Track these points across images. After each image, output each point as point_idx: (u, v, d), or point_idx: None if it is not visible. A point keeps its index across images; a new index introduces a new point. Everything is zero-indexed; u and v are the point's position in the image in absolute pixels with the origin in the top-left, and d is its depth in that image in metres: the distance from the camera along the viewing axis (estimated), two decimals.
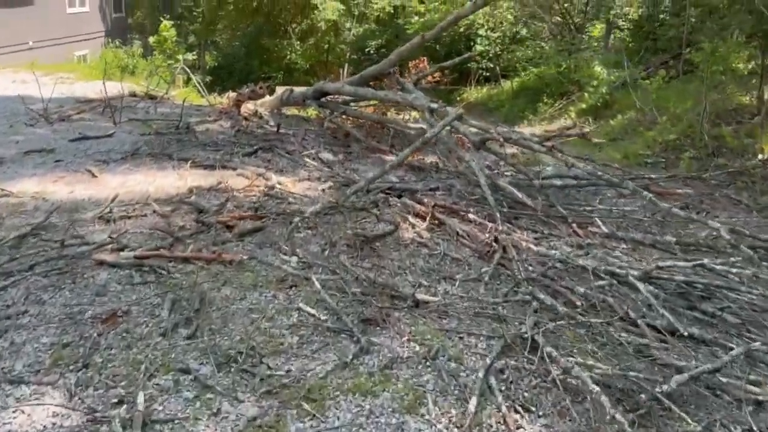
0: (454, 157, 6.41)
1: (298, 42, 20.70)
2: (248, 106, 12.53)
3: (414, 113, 10.25)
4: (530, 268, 4.21)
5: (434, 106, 6.63)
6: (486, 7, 18.22)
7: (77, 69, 17.27)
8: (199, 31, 22.55)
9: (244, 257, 3.88)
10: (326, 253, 4.17)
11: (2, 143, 7.21)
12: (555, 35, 17.99)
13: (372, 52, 24.51)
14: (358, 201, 5.30)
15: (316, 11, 20.04)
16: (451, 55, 19.72)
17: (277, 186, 5.84)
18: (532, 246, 4.49)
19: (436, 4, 19.54)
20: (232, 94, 13.77)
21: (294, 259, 4.00)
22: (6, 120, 8.72)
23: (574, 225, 5.20)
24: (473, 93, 17.96)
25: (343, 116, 9.55)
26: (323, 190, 5.93)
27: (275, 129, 9.59)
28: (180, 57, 17.90)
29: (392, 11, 20.90)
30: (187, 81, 14.54)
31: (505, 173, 7.16)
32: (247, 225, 4.45)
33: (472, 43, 18.33)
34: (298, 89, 12.24)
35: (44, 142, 7.29)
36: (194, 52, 18.91)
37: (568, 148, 7.67)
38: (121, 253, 3.78)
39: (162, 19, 18.81)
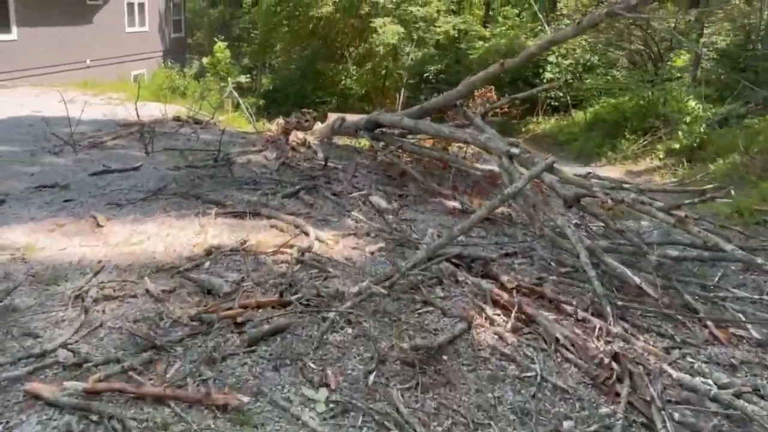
0: (537, 219, 5.16)
1: (354, 67, 19.82)
2: (298, 135, 11.61)
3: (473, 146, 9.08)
4: (674, 413, 2.86)
5: (515, 151, 5.44)
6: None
7: (128, 89, 16.87)
8: (253, 53, 22.05)
9: (245, 399, 2.64)
10: (371, 379, 2.95)
11: (16, 174, 6.40)
12: (634, 64, 16.51)
13: (431, 77, 23.55)
14: (416, 275, 4.12)
15: (374, 35, 19.18)
16: (516, 83, 18.51)
17: (315, 245, 4.73)
18: (667, 368, 3.19)
19: (503, 29, 18.36)
20: (281, 121, 12.96)
21: (323, 394, 2.79)
22: (30, 145, 7.98)
23: (710, 325, 3.85)
24: (540, 124, 16.66)
25: (399, 150, 8.42)
26: (372, 253, 4.78)
27: (323, 163, 8.55)
28: (230, 79, 17.30)
29: (456, 35, 19.88)
30: (238, 105, 13.82)
31: (596, 232, 5.85)
32: (264, 326, 3.27)
33: (540, 71, 17.04)
34: (351, 118, 11.27)
35: (61, 174, 6.45)
36: (248, 75, 18.33)
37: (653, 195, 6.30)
38: (66, 384, 2.65)
39: (216, 39, 18.31)
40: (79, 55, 19.65)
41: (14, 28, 16.91)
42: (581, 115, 15.63)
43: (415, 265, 4.03)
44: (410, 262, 4.05)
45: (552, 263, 4.81)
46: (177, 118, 11.72)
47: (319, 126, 11.07)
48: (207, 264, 4.19)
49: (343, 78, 19.16)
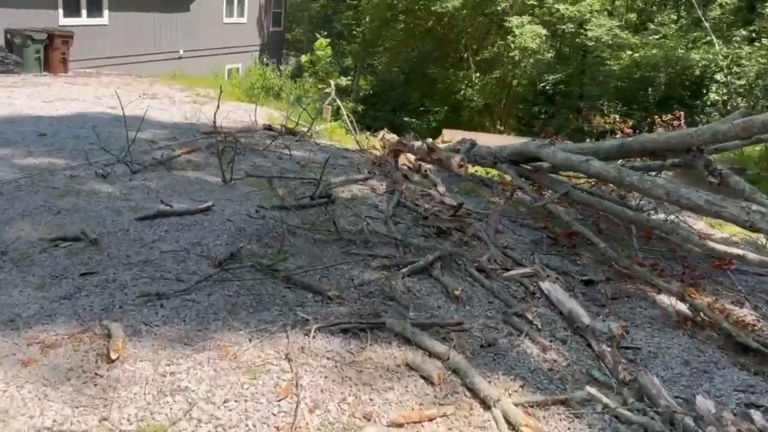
0: None
1: (477, 74, 17.25)
2: (409, 157, 9.39)
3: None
4: None
5: None
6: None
7: (219, 85, 15.23)
8: (357, 51, 19.95)
9: None
10: None
11: (35, 211, 4.47)
12: None
13: (548, 88, 20.76)
14: None
15: (509, 37, 16.39)
16: (668, 103, 15.57)
17: None
18: None
19: (656, 37, 15.37)
20: (388, 136, 10.78)
21: None
22: (80, 157, 6.15)
23: None
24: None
25: (562, 199, 6.02)
26: None
27: (452, 206, 6.26)
28: (332, 81, 15.34)
29: (593, 42, 16.80)
30: (336, 111, 11.83)
31: None
32: None
33: (704, 90, 14.01)
34: (483, 140, 8.93)
35: (97, 216, 4.48)
36: (348, 77, 16.34)
37: None
38: None
39: (318, 35, 16.43)
40: (172, 45, 18.39)
41: (106, 12, 15.72)
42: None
43: None
44: None
45: None
46: (268, 127, 9.80)
47: (415, 143, 8.75)
48: None
49: (463, 87, 16.71)
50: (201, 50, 19.48)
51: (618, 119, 8.07)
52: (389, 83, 19.63)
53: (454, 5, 16.12)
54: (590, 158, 5.15)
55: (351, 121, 10.10)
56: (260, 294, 3.63)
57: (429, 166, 9.08)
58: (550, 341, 3.67)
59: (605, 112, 22.86)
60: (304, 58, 16.54)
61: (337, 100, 10.32)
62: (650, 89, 15.73)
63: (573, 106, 20.97)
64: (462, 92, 16.29)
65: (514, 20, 15.91)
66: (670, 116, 7.70)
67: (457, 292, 4.07)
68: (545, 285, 4.50)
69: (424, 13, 17.07)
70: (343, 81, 15.96)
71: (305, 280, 3.87)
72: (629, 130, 8.19)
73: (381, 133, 11.97)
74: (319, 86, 15.08)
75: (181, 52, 18.84)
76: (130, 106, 9.16)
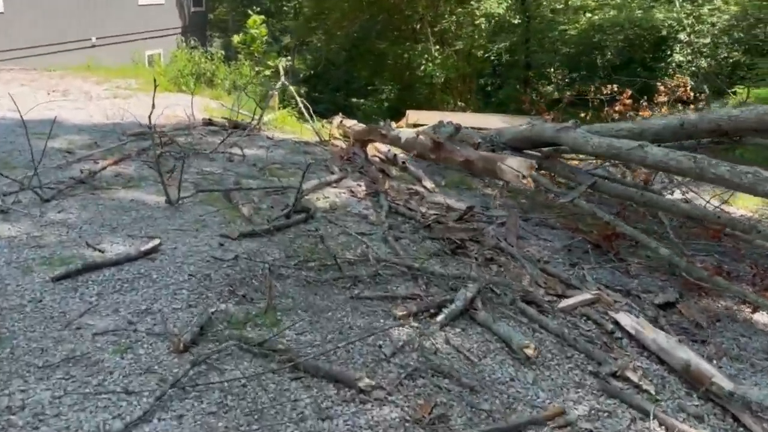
0: None
1: (437, 47, 15.80)
2: (379, 148, 8.13)
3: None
4: None
5: None
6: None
7: (141, 74, 13.48)
8: (300, 27, 18.11)
9: None
10: None
11: None
12: None
13: (493, 58, 19.59)
14: None
15: (473, 2, 14.87)
16: (630, 67, 14.77)
17: None
18: None
19: None
20: (349, 123, 9.46)
21: None
22: None
23: None
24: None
25: (590, 190, 4.94)
26: None
27: (460, 213, 5.11)
28: (280, 63, 13.81)
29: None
30: (283, 98, 10.41)
31: None
32: None
33: (669, 52, 13.28)
34: (465, 123, 7.77)
35: None
36: (287, 57, 14.79)
37: None
38: None
39: (251, 12, 14.76)
40: (82, 32, 16.29)
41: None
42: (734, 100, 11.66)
43: None
44: None
45: None
46: (209, 122, 8.32)
47: (407, 133, 7.51)
48: None
49: (423, 61, 15.28)
50: (116, 36, 17.43)
51: (615, 89, 7.05)
52: (331, 62, 18.10)
53: None
54: (644, 144, 4.08)
55: (307, 108, 8.74)
56: (259, 404, 2.35)
57: (402, 154, 7.86)
58: (682, 420, 2.57)
59: (553, 80, 22.17)
60: (236, 38, 14.85)
61: (289, 84, 8.90)
62: (609, 53, 14.96)
63: (519, 76, 20.04)
64: (423, 67, 14.96)
65: None
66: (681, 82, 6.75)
67: (530, 352, 2.91)
68: (625, 320, 3.41)
69: None
70: (283, 63, 14.43)
71: (321, 365, 2.61)
72: (628, 101, 7.22)
73: (336, 120, 10.62)
74: (256, 69, 13.55)
75: (94, 39, 16.76)
76: (37, 107, 7.52)
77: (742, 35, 13.26)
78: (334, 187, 6.16)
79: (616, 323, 3.43)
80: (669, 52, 13.24)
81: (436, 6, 15.39)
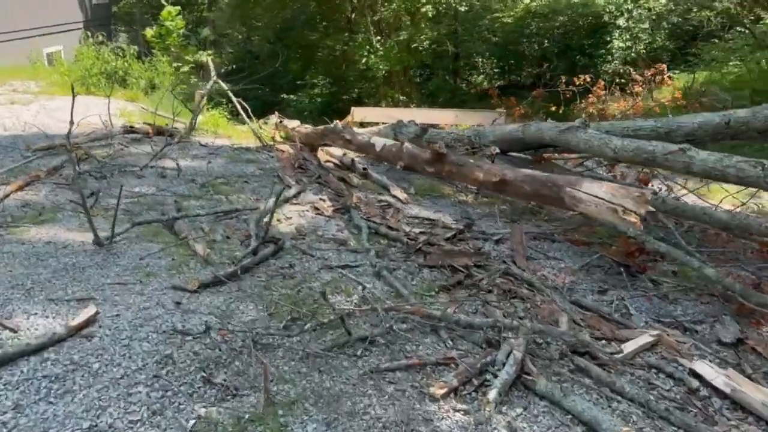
0: None
1: (378, 38, 14.70)
2: (332, 153, 7.23)
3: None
4: None
5: None
6: None
7: (41, 75, 11.93)
8: (220, 19, 16.62)
9: None
10: None
11: None
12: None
13: (421, 49, 18.89)
14: None
15: None
16: (568, 54, 14.40)
17: None
18: None
19: None
20: (291, 124, 8.48)
21: None
22: None
23: None
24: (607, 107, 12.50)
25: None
26: None
27: (447, 228, 4.37)
28: (192, 58, 12.59)
29: None
30: (211, 97, 9.27)
31: None
32: None
33: (608, 38, 13.03)
34: (428, 121, 7.06)
35: None
36: (210, 51, 13.49)
37: None
38: None
39: (165, 2, 13.37)
40: None
41: None
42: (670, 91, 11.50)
43: None
44: None
45: None
46: (131, 129, 7.16)
47: (362, 135, 6.66)
48: None
49: (365, 54, 14.18)
50: (8, 33, 15.53)
51: (588, 79, 6.51)
52: (254, 55, 16.80)
53: None
54: (686, 147, 3.46)
55: (245, 109, 7.72)
56: None
57: (357, 156, 7.01)
58: None
59: (482, 69, 21.77)
60: (149, 31, 13.43)
61: (222, 83, 7.83)
62: (546, 41, 14.61)
63: (448, 66, 19.47)
64: (364, 60, 13.93)
65: None
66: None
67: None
68: (708, 372, 2.78)
69: None
70: (203, 56, 13.18)
71: None
72: (602, 92, 6.69)
73: (273, 120, 9.62)
74: (175, 65, 12.23)
75: None
76: None
77: (677, 20, 13.24)
78: (295, 203, 5.26)
79: (695, 374, 2.77)
80: (609, 38, 13.02)
81: None
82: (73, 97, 3.89)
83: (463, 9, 14.20)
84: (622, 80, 13.25)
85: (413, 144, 4.83)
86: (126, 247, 3.71)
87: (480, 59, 19.99)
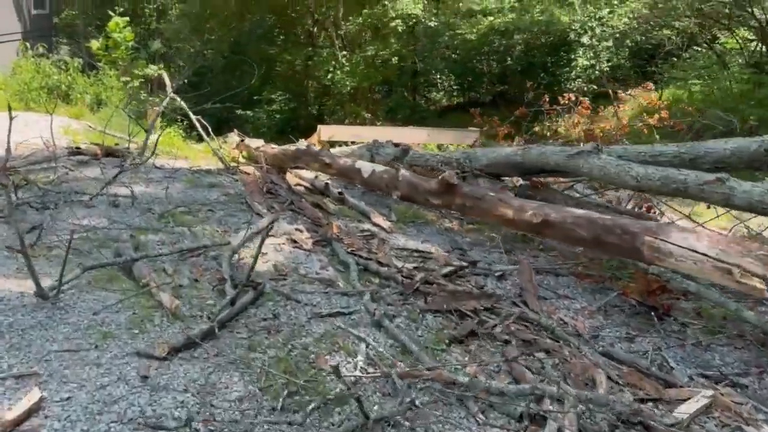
0: None
1: (344, 53, 14.09)
2: (302, 176, 6.68)
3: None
4: None
5: None
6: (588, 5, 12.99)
7: None
8: (173, 32, 15.79)
9: None
10: None
11: None
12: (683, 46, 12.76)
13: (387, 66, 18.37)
14: None
15: (387, 2, 13.65)
16: (532, 71, 14.20)
17: None
18: None
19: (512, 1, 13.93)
20: (254, 144, 7.89)
21: None
22: None
23: None
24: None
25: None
26: None
27: (443, 263, 3.92)
28: (141, 72, 11.85)
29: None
30: (164, 114, 8.58)
31: None
32: None
33: (572, 56, 12.93)
34: (399, 140, 6.60)
35: None
36: (160, 66, 12.72)
37: None
38: None
39: (112, 13, 12.57)
40: None
41: None
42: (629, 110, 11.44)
43: None
44: None
45: None
46: (77, 150, 6.45)
47: (361, 163, 6.06)
48: None
49: (330, 69, 13.57)
50: None
51: (572, 97, 6.20)
52: (208, 68, 16.02)
53: None
54: (724, 177, 3.09)
55: (204, 127, 7.12)
56: None
57: (330, 180, 6.48)
58: None
59: (441, 86, 21.49)
60: (95, 43, 12.59)
61: (181, 101, 7.20)
62: (509, 59, 14.44)
63: (407, 83, 19.10)
64: (330, 75, 13.34)
65: None
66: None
67: None
68: None
69: None
70: (152, 70, 12.42)
71: None
72: (587, 111, 6.39)
73: (233, 138, 9.01)
74: (124, 80, 11.43)
75: None
76: None
77: (639, 38, 13.28)
78: (272, 236, 4.70)
79: None
80: (573, 56, 12.93)
81: (337, 8, 13.87)
82: (10, 113, 3.25)
83: (432, 24, 13.84)
84: (586, 97, 13.29)
85: (410, 171, 4.35)
86: (76, 299, 3.09)
87: (439, 76, 19.74)
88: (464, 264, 3.98)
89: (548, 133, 12.85)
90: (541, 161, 4.17)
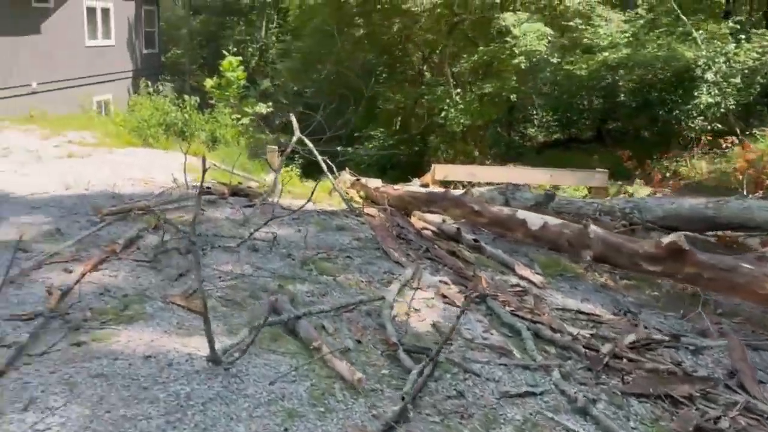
0: None
1: (458, 90, 13.89)
2: (428, 219, 6.32)
3: None
4: None
5: None
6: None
7: (95, 125, 11.40)
8: (293, 71, 15.91)
9: None
10: None
11: None
12: None
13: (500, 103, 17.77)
14: None
15: (510, 39, 12.94)
16: (650, 108, 13.44)
17: None
18: None
19: (628, 36, 13.28)
20: (373, 184, 7.68)
21: None
22: None
23: None
24: (692, 167, 11.40)
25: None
26: None
27: (657, 340, 3.44)
28: (252, 110, 12.02)
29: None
30: (283, 153, 8.53)
31: None
32: None
33: (696, 92, 12.11)
34: (518, 182, 6.17)
35: None
36: (269, 104, 12.91)
37: None
38: None
39: (226, 53, 12.91)
40: (21, 77, 14.03)
41: None
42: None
43: None
44: None
45: None
46: (207, 190, 6.37)
47: (529, 215, 5.60)
48: None
49: (445, 107, 13.35)
50: (60, 81, 15.24)
51: (735, 140, 5.57)
52: (315, 107, 16.17)
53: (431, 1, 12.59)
54: None
55: (330, 168, 6.96)
56: None
57: (456, 223, 6.07)
58: None
59: (538, 122, 20.77)
60: (209, 81, 12.93)
61: (309, 143, 7.07)
62: (622, 95, 13.77)
63: (501, 118, 18.51)
64: (443, 113, 13.11)
65: (509, 17, 12.96)
66: None
67: None
68: None
69: (383, 16, 13.52)
70: (263, 108, 12.61)
71: None
72: (753, 156, 5.73)
73: (345, 177, 8.83)
74: (235, 117, 11.61)
75: (34, 85, 14.53)
76: None
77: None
78: (414, 287, 4.35)
79: None
80: (696, 93, 12.12)
81: (450, 46, 13.65)
82: (204, 164, 3.02)
83: (555, 61, 13.33)
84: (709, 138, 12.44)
85: (604, 228, 3.89)
86: (246, 363, 2.82)
87: (536, 111, 19.09)
88: (666, 338, 3.46)
89: (667, 174, 12.13)
90: (743, 216, 3.62)
